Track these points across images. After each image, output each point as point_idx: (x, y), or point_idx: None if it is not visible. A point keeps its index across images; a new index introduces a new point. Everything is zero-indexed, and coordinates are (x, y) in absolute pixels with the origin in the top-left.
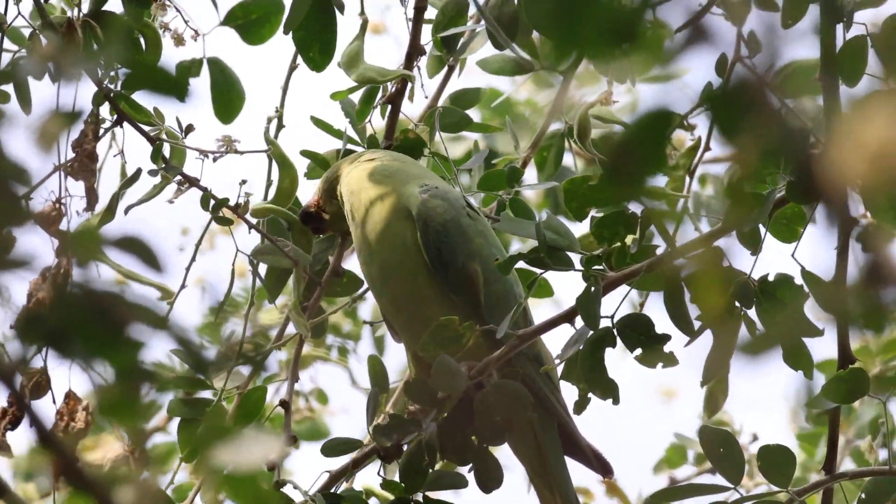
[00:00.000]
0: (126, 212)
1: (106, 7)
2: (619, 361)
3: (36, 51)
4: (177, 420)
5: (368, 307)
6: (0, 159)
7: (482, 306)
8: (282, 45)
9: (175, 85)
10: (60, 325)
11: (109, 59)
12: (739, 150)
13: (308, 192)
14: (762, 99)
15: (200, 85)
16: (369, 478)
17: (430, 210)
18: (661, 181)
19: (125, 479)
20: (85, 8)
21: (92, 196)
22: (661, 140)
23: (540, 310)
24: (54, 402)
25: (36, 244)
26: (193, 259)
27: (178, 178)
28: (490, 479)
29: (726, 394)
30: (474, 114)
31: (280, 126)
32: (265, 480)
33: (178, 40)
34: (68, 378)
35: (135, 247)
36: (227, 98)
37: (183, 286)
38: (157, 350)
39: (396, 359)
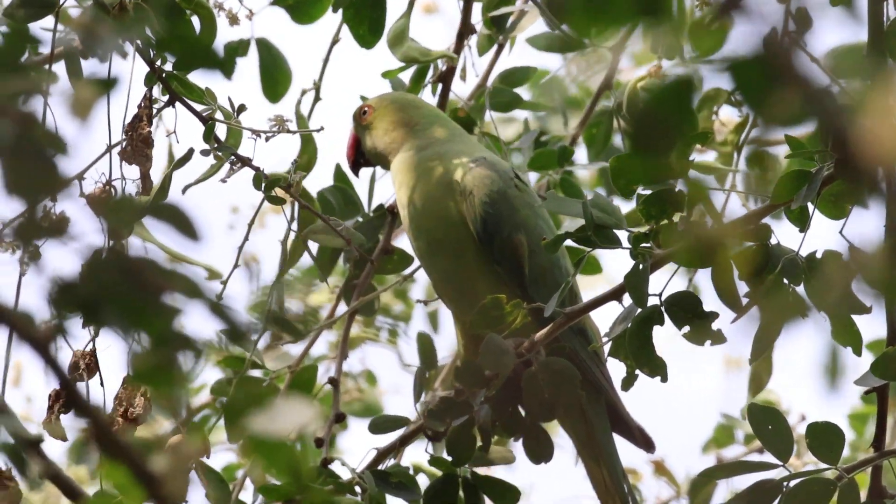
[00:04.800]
0: (184, 191)
1: None
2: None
3: (86, 29)
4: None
5: (420, 288)
6: (42, 132)
7: (526, 277)
8: (328, 20)
9: (221, 62)
10: (95, 292)
11: (160, 38)
12: (763, 120)
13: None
14: (788, 68)
15: (249, 64)
16: (417, 454)
17: (477, 180)
18: (709, 157)
19: (159, 447)
20: None
21: (147, 181)
22: (685, 109)
23: (589, 286)
24: (102, 384)
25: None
26: (246, 238)
27: (231, 157)
28: (541, 452)
29: (770, 372)
30: (523, 92)
31: (317, 98)
32: (304, 450)
33: (233, 20)
34: (126, 363)
35: (170, 215)
36: (275, 77)
37: (236, 265)
38: (206, 330)
39: (448, 335)
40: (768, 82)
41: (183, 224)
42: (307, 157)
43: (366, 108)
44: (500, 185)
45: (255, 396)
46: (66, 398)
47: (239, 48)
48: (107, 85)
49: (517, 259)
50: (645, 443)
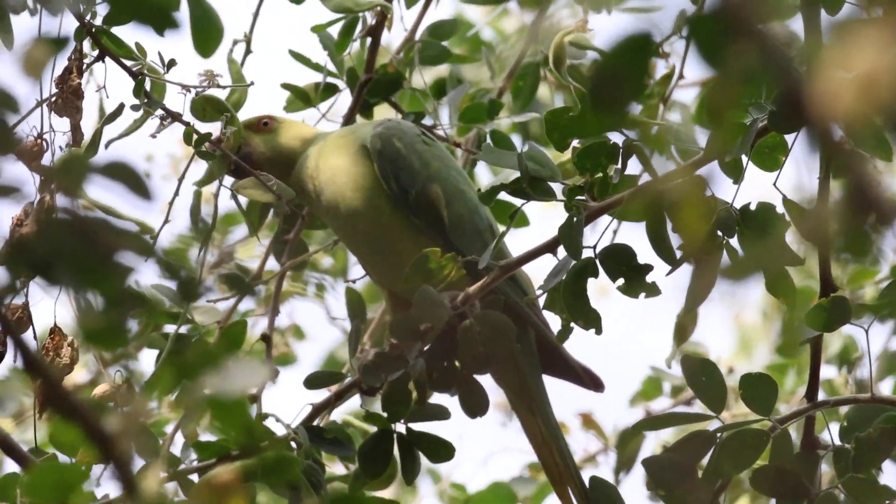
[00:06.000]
0: (107, 146)
1: None
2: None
3: None
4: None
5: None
6: None
7: (447, 227)
8: None
9: (160, 14)
10: (47, 252)
11: None
12: (721, 77)
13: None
14: (744, 23)
15: (180, 19)
16: (350, 409)
17: (384, 140)
18: (635, 109)
19: (110, 408)
20: None
21: (77, 133)
22: (643, 66)
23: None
24: (35, 337)
25: (18, 178)
26: (177, 194)
27: (161, 112)
28: (476, 405)
29: (695, 323)
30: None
31: (247, 52)
32: (249, 410)
33: None
34: (53, 314)
35: (122, 174)
36: (206, 32)
37: (167, 221)
38: (137, 283)
39: (366, 288)
40: (724, 37)
41: (135, 183)
42: (236, 97)
43: (266, 120)
44: (407, 140)
45: (207, 355)
46: (20, 355)
47: (171, 2)
48: (58, 44)
49: (435, 210)
50: (592, 382)
